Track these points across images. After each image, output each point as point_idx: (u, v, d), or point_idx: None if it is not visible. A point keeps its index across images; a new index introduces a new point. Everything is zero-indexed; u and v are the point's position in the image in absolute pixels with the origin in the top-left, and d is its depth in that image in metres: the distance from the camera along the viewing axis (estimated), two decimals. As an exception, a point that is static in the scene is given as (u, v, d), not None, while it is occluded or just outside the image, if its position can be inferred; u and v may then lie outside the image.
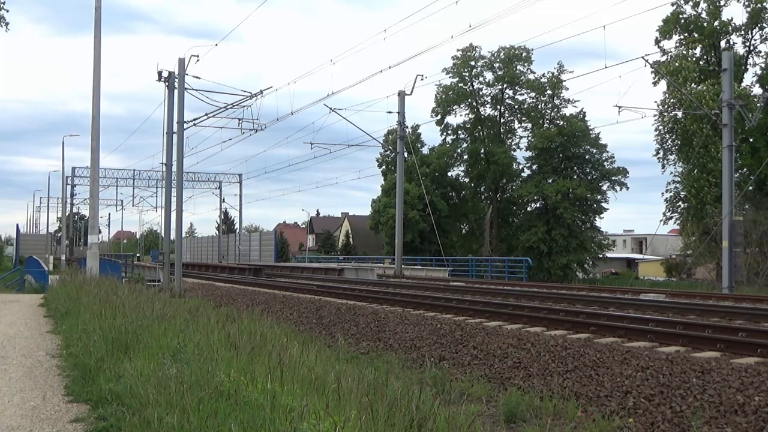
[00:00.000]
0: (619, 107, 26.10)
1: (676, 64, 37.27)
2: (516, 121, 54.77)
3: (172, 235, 27.46)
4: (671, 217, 41.36)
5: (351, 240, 76.46)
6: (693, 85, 36.60)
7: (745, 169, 37.29)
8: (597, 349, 9.48)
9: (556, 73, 50.75)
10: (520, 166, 52.25)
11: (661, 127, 40.09)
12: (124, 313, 9.47)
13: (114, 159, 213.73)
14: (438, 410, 4.36)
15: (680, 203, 40.31)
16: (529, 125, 52.86)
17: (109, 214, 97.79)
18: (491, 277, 37.36)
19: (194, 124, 27.39)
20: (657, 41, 40.80)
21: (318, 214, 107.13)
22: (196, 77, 25.14)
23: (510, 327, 11.78)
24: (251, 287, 24.85)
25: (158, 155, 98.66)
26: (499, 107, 54.12)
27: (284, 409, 4.28)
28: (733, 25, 39.17)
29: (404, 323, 13.54)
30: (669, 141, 40.37)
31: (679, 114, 37.57)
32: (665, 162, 40.73)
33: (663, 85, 39.54)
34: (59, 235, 66.15)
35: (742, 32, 39.63)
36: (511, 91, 52.97)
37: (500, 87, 52.42)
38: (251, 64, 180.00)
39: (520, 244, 47.75)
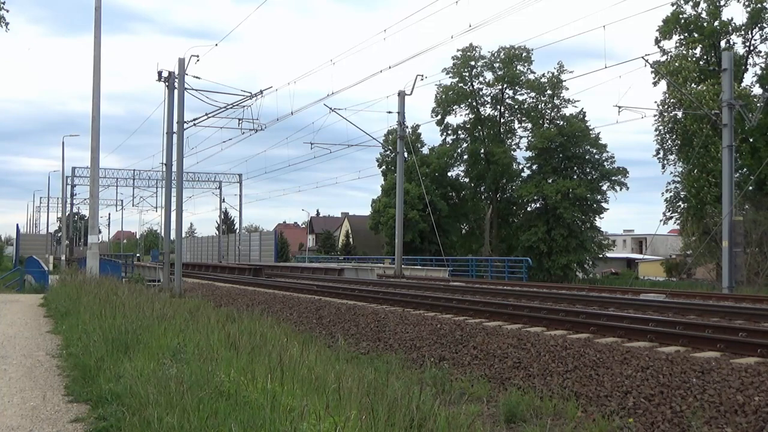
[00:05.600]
0: (619, 107, 26.11)
1: (676, 64, 37.29)
2: (516, 121, 54.91)
3: (172, 235, 27.45)
4: (671, 217, 41.44)
5: (351, 240, 76.47)
6: (693, 85, 36.62)
7: (745, 169, 37.31)
8: (597, 349, 9.47)
9: (556, 73, 50.85)
10: (520, 166, 52.38)
11: (661, 127, 40.14)
12: (124, 313, 9.47)
13: (114, 159, 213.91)
14: (438, 410, 4.36)
15: (680, 203, 40.33)
16: (529, 125, 52.94)
17: (109, 214, 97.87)
18: (491, 277, 37.34)
19: (194, 124, 27.40)
20: (657, 41, 40.88)
21: (318, 214, 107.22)
22: (196, 77, 25.14)
23: (510, 327, 11.78)
24: (251, 287, 24.84)
25: (158, 155, 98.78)
26: (499, 107, 54.17)
27: (284, 409, 4.28)
28: (733, 25, 39.22)
29: (404, 323, 13.54)
30: (669, 141, 40.40)
31: (679, 114, 37.59)
32: (665, 162, 40.82)
33: (663, 85, 39.64)
34: (59, 235, 66.14)
35: (742, 32, 39.68)
36: (511, 91, 53.06)
37: (500, 87, 52.46)
38: (250, 65, 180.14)
39: (520, 244, 47.76)
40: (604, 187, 48.44)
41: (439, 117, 53.85)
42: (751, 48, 39.97)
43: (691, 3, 39.50)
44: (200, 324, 8.66)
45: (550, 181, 47.34)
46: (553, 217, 46.53)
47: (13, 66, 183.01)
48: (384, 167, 56.28)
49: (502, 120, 54.60)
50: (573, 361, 9.43)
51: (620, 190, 48.28)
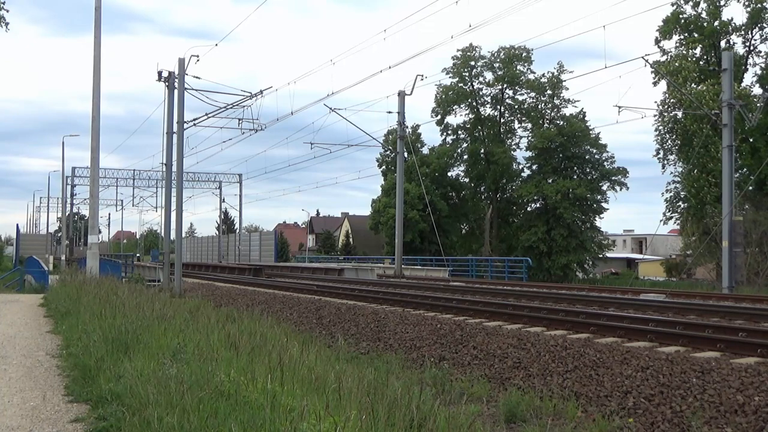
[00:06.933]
0: (619, 107, 26.08)
1: (676, 64, 37.27)
2: (516, 121, 54.92)
3: (172, 235, 27.44)
4: (671, 217, 41.42)
5: (351, 240, 76.46)
6: (693, 85, 36.60)
7: (745, 169, 37.31)
8: (597, 349, 9.47)
9: (556, 73, 50.85)
10: (520, 166, 52.42)
11: (661, 127, 40.11)
12: (124, 313, 9.47)
13: (114, 159, 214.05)
14: (438, 410, 4.36)
15: (680, 203, 40.32)
16: (529, 125, 52.94)
17: (109, 214, 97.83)
18: (491, 277, 37.33)
19: (194, 124, 27.38)
20: (657, 41, 40.86)
21: (318, 214, 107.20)
22: (196, 77, 25.10)
23: (510, 327, 11.77)
24: (251, 287, 24.84)
25: (158, 155, 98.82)
26: (499, 107, 54.18)
27: (284, 409, 4.28)
28: (733, 25, 39.21)
29: (404, 323, 13.54)
30: (669, 141, 40.37)
31: (679, 114, 37.56)
32: (665, 162, 40.79)
33: (663, 85, 39.60)
34: (59, 235, 66.13)
35: (742, 32, 39.66)
36: (511, 91, 53.06)
37: (500, 87, 52.45)
38: (250, 65, 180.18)
39: (520, 244, 47.77)
40: (604, 187, 48.50)
41: (439, 117, 53.89)
42: (751, 48, 40.01)
43: (691, 3, 39.50)
44: (200, 324, 8.66)
45: (550, 181, 47.34)
46: (553, 217, 46.54)
47: (13, 66, 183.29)
48: (384, 167, 56.28)
49: (502, 120, 54.61)
50: (573, 361, 9.43)
51: (620, 190, 48.41)
